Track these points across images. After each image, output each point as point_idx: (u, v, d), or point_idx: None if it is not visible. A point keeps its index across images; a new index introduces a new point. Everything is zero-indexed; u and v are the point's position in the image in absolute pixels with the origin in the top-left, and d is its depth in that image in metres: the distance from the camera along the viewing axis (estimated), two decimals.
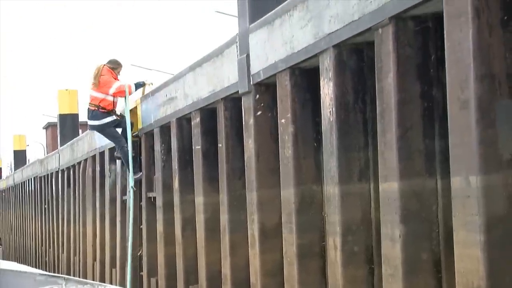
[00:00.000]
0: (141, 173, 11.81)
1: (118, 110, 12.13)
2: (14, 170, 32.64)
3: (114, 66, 12.15)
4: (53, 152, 21.62)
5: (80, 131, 21.18)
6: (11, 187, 31.29)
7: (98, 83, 11.88)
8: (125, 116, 11.87)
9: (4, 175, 41.84)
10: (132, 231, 11.64)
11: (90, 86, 12.06)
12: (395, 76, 5.25)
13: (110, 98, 11.91)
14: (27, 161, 34.71)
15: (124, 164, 12.23)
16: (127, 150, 11.93)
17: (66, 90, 20.72)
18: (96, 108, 12.00)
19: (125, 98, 11.91)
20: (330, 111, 6.11)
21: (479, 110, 4.40)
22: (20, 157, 34.27)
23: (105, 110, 11.99)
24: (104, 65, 12.05)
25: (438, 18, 5.05)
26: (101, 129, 12.25)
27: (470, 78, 4.43)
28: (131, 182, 11.75)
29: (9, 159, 44.10)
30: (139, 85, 12.01)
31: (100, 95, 11.91)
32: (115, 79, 12.05)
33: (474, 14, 4.40)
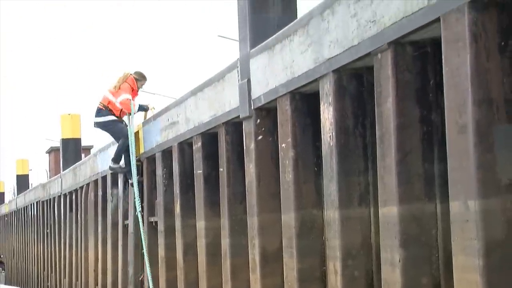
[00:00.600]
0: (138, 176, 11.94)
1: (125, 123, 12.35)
2: (17, 195, 32.64)
3: (139, 78, 12.42)
4: (56, 176, 21.64)
5: (82, 155, 21.20)
6: (14, 211, 31.29)
7: (118, 88, 12.12)
8: (129, 129, 12.04)
9: (6, 199, 41.84)
10: (146, 253, 11.59)
11: (109, 87, 12.31)
12: (394, 100, 5.27)
13: (118, 106, 12.13)
14: (30, 186, 34.71)
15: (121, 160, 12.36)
16: (125, 142, 12.12)
17: (69, 114, 20.77)
18: (103, 108, 12.29)
19: (131, 117, 12.06)
20: (330, 136, 6.13)
21: (477, 135, 4.41)
22: (23, 182, 34.26)
23: (111, 112, 12.24)
24: (131, 74, 12.26)
25: (436, 43, 5.08)
26: (103, 125, 12.46)
27: (468, 102, 4.45)
28: (137, 207, 11.77)
29: (12, 183, 44.11)
30: (142, 108, 12.20)
31: (111, 98, 12.18)
32: (135, 90, 12.32)
33: (472, 39, 4.43)
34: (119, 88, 12.15)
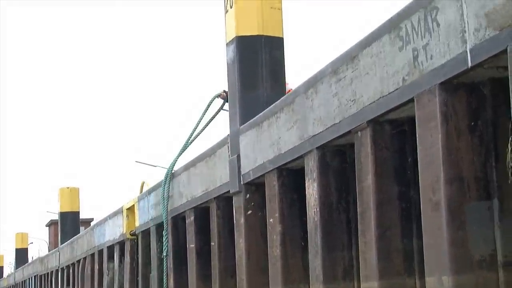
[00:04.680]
0: None
1: None
2: (16, 269, 32.52)
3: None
4: (54, 250, 21.65)
5: (82, 228, 21.24)
6: (12, 286, 31.12)
7: None
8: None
9: (5, 273, 41.62)
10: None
11: None
12: (373, 177, 5.40)
13: None
14: (31, 259, 34.59)
15: None
16: None
17: (68, 188, 20.88)
18: None
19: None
20: (314, 211, 6.25)
21: (450, 212, 4.52)
22: (22, 256, 34.13)
23: None
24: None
25: (413, 121, 5.23)
26: None
27: (440, 180, 4.58)
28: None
29: (11, 257, 43.96)
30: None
31: None
32: None
33: (443, 119, 4.59)
34: None
